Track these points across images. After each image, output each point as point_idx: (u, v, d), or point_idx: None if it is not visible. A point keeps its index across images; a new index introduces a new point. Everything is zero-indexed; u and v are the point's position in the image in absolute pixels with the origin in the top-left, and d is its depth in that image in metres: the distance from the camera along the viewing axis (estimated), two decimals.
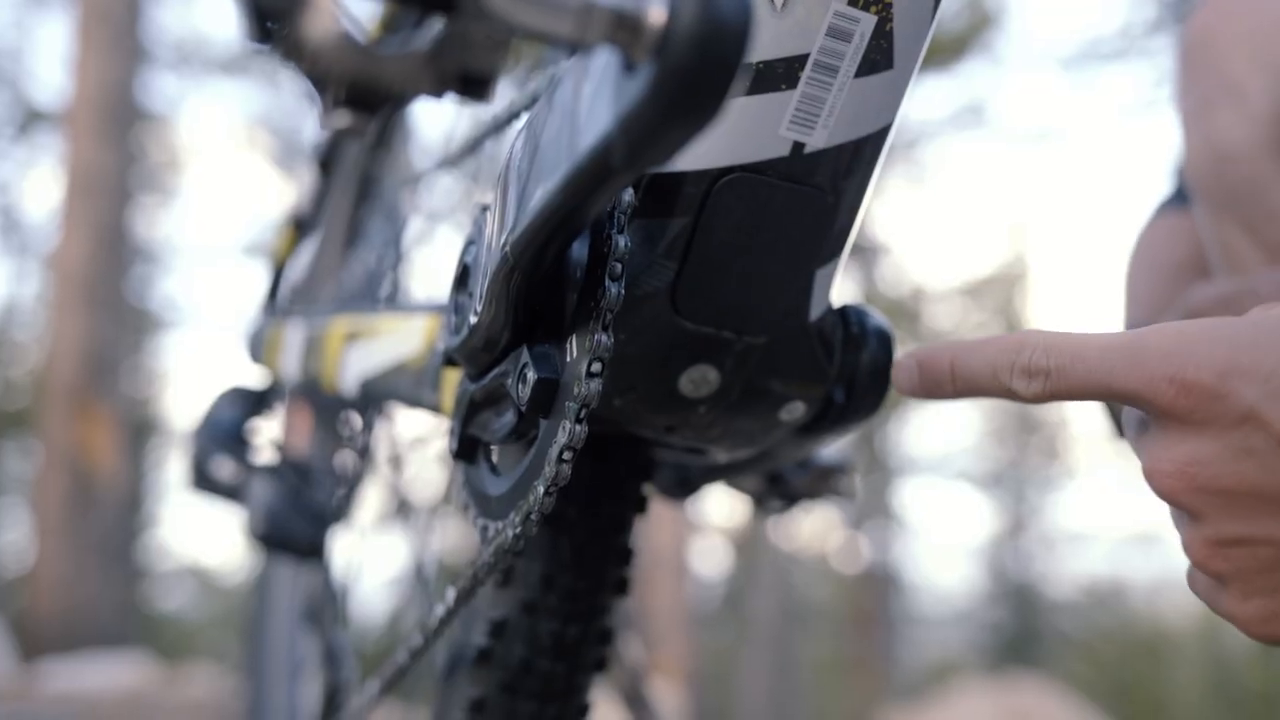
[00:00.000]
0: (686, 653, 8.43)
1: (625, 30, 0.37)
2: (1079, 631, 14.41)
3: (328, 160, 1.20)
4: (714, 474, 0.76)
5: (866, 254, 11.73)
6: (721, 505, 12.95)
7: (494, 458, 0.63)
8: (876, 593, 12.54)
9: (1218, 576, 0.48)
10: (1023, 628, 15.19)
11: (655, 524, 8.03)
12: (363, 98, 0.36)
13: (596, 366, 0.52)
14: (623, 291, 0.52)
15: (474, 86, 0.37)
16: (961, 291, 12.88)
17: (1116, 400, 0.48)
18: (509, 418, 0.59)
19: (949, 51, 10.56)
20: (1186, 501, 0.46)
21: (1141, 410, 0.48)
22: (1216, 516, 0.46)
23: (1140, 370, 0.46)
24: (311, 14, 0.34)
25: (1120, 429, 0.53)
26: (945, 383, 0.55)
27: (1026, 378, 0.51)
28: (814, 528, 13.19)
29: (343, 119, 0.37)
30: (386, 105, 0.37)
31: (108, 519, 6.58)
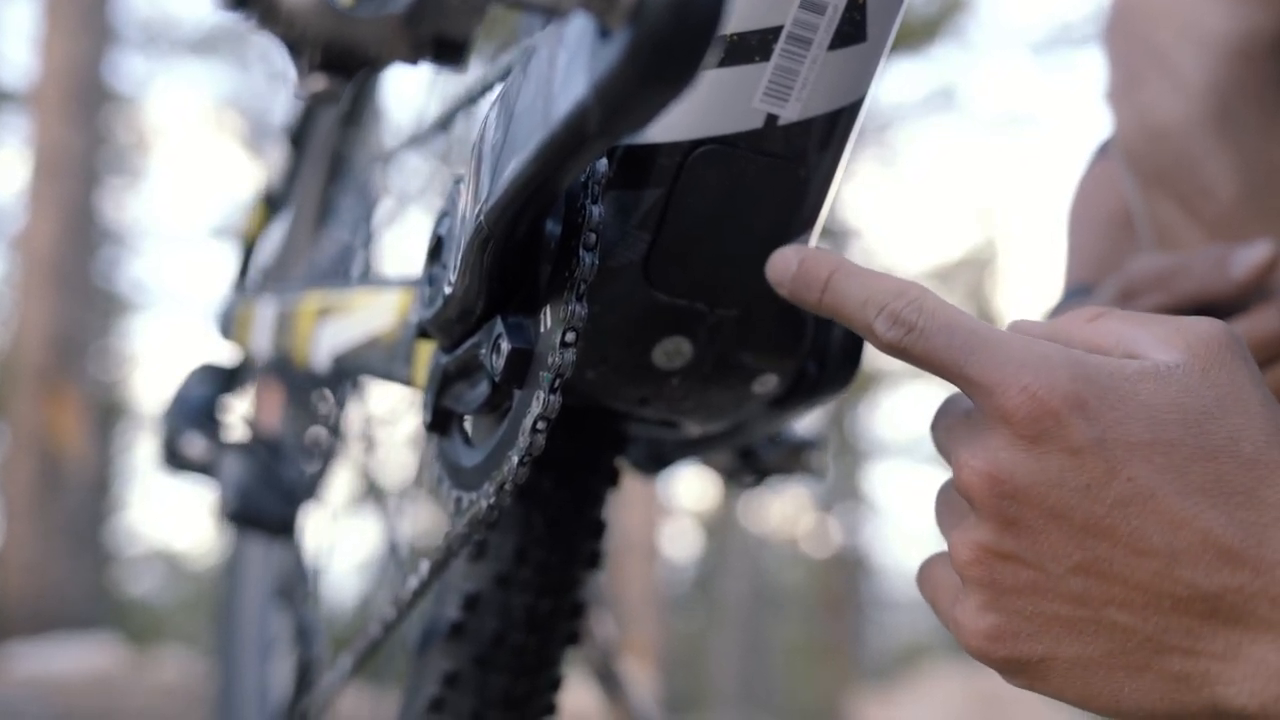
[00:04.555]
0: (657, 636, 8.46)
1: None
2: None
3: (299, 136, 1.19)
4: (687, 449, 0.77)
5: (836, 237, 11.76)
6: (692, 488, 13.00)
7: (467, 429, 0.63)
8: (847, 576, 12.61)
9: (969, 581, 0.47)
10: None
11: (626, 507, 8.04)
12: (338, 62, 0.36)
13: (570, 336, 0.52)
14: (597, 261, 0.52)
15: (449, 52, 0.37)
16: (931, 275, 12.92)
17: (959, 383, 0.48)
18: (483, 389, 0.59)
19: (920, 35, 10.58)
20: (982, 502, 0.46)
21: (975, 402, 0.47)
22: (1000, 527, 0.46)
23: (997, 369, 0.46)
24: None
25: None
26: (815, 289, 0.53)
27: (890, 322, 0.49)
28: (784, 511, 13.25)
29: (318, 83, 0.37)
30: (362, 70, 0.37)
31: (76, 502, 6.53)
